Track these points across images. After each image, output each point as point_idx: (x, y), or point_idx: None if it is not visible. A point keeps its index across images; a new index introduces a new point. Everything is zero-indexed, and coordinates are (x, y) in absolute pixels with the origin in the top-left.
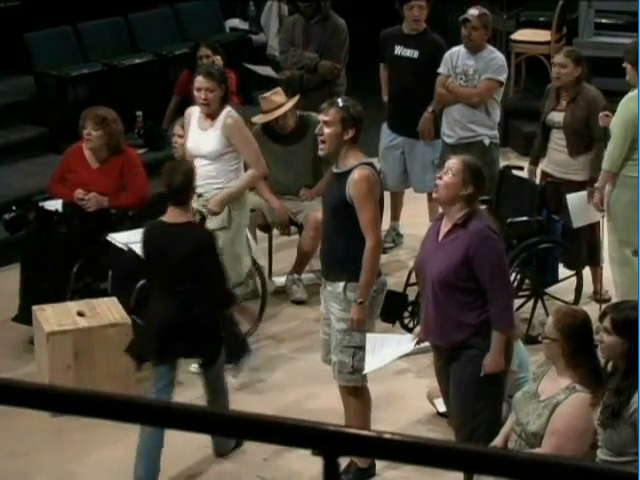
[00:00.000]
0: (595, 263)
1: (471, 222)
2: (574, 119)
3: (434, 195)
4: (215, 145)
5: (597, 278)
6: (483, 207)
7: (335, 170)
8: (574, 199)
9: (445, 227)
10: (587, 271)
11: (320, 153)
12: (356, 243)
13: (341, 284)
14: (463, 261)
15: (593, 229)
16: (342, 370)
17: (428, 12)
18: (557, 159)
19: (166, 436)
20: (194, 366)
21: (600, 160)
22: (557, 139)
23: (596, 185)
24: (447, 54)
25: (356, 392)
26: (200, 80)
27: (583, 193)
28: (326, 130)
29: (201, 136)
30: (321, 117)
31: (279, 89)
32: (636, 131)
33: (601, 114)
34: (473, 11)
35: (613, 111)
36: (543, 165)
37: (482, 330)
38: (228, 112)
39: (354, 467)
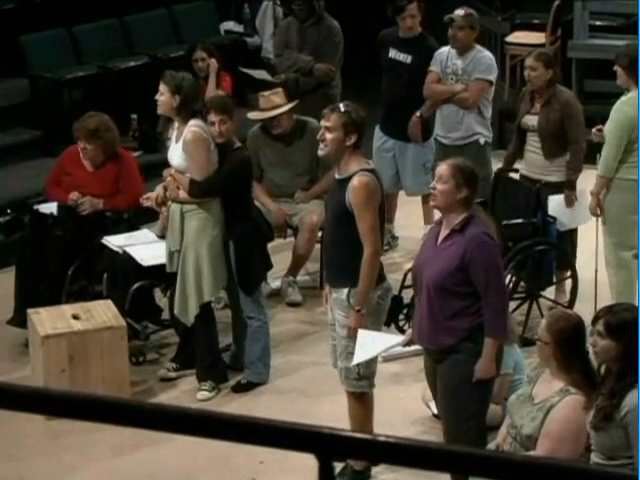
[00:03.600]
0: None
1: (468, 228)
2: (548, 122)
3: (432, 204)
4: (178, 159)
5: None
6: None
7: (337, 176)
8: (556, 202)
9: (444, 232)
10: (584, 273)
11: (319, 153)
12: (358, 250)
13: (345, 290)
14: (459, 266)
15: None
16: (348, 376)
17: (422, 15)
18: (533, 161)
19: (163, 440)
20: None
21: (576, 162)
22: (533, 142)
23: (591, 190)
24: (437, 53)
25: (360, 398)
26: (160, 82)
27: (562, 196)
28: (328, 136)
29: (173, 148)
30: (323, 123)
31: (280, 90)
32: (635, 134)
33: (594, 130)
34: (459, 11)
35: (605, 116)
36: (521, 168)
37: (473, 335)
38: (190, 126)
39: (350, 470)
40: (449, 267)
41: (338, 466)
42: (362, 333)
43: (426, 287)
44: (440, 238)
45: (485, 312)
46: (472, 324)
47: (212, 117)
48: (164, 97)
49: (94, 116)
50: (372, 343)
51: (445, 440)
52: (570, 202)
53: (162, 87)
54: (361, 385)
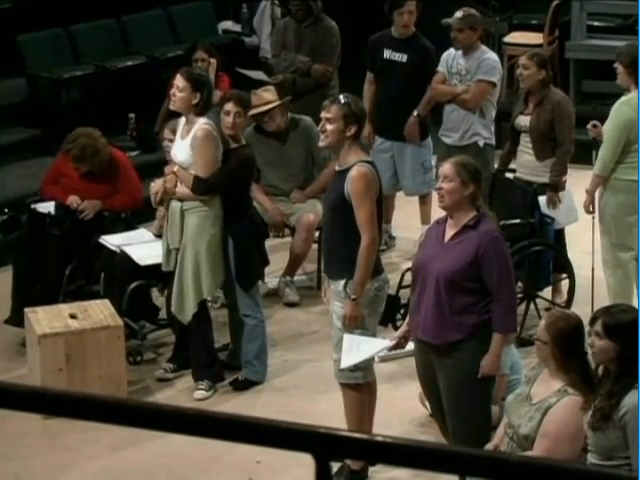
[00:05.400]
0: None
1: (481, 224)
2: (539, 122)
3: (439, 205)
4: (185, 155)
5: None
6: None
7: (337, 168)
8: (541, 203)
9: (452, 229)
10: (581, 273)
11: (320, 144)
12: (356, 241)
13: (342, 282)
14: (472, 261)
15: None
16: (344, 368)
17: (417, 16)
18: (524, 161)
19: (160, 439)
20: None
21: (560, 164)
22: (525, 142)
23: (586, 189)
24: (445, 54)
25: (356, 389)
26: (176, 77)
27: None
28: (328, 127)
29: (179, 144)
30: (323, 114)
31: (271, 87)
32: (633, 135)
33: (589, 125)
34: (457, 14)
35: (603, 116)
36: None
37: (479, 332)
38: (201, 124)
39: (347, 469)
40: (462, 261)
41: (335, 466)
42: (348, 338)
43: (434, 282)
44: (448, 235)
45: (495, 308)
46: (478, 321)
47: (230, 107)
48: (184, 93)
49: (82, 137)
50: (358, 348)
51: (450, 438)
52: (552, 204)
53: (182, 83)
54: (355, 377)
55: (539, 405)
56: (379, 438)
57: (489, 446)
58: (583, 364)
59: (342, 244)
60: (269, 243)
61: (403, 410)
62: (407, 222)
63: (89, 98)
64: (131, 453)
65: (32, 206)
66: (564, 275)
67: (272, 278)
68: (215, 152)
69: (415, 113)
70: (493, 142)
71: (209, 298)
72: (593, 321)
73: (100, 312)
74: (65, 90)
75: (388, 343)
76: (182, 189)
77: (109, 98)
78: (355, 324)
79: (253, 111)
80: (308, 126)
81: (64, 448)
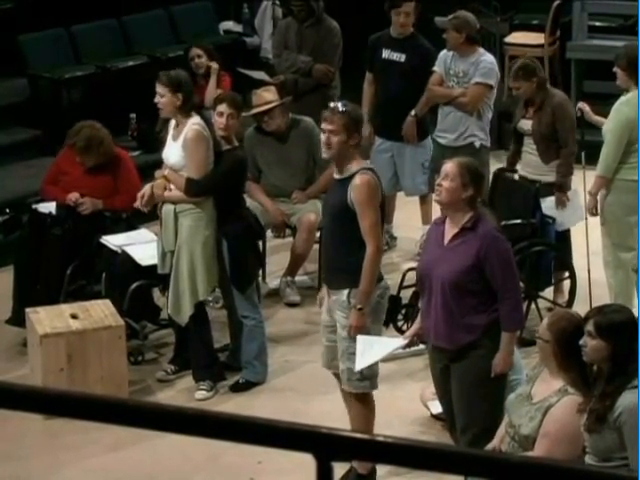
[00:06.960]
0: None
1: (479, 225)
2: (540, 125)
3: (435, 198)
4: (177, 157)
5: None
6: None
7: (337, 176)
8: (548, 204)
9: (451, 231)
10: (578, 274)
11: (324, 155)
12: (358, 249)
13: (345, 291)
14: (475, 263)
15: None
16: (351, 377)
17: (416, 16)
18: (530, 161)
19: (161, 439)
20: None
21: (565, 165)
22: (529, 144)
23: (589, 190)
24: (442, 53)
25: (363, 398)
26: (157, 84)
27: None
28: (333, 139)
29: (170, 147)
30: (325, 126)
31: (272, 87)
32: (634, 135)
33: (577, 108)
34: (450, 16)
35: (604, 114)
36: (519, 168)
37: (490, 331)
38: (191, 125)
39: (354, 473)
40: (464, 265)
41: (342, 469)
42: (361, 339)
43: (440, 286)
44: (447, 237)
45: (502, 306)
46: (487, 320)
47: (223, 108)
48: (165, 98)
49: (85, 128)
50: (372, 349)
51: (460, 438)
52: (561, 204)
53: (161, 89)
54: (363, 385)
55: (540, 405)
56: (380, 438)
57: (489, 447)
58: (584, 364)
59: (343, 253)
60: (270, 243)
61: (404, 411)
62: (408, 222)
63: (90, 98)
64: (132, 453)
65: (33, 206)
66: (566, 275)
67: (273, 278)
68: (206, 152)
69: (413, 113)
70: (488, 144)
71: (210, 298)
72: (585, 320)
73: (101, 312)
74: (66, 90)
75: (401, 342)
76: (174, 192)
77: (110, 98)
78: (360, 333)
79: (253, 111)
80: (309, 127)
81: (65, 448)
